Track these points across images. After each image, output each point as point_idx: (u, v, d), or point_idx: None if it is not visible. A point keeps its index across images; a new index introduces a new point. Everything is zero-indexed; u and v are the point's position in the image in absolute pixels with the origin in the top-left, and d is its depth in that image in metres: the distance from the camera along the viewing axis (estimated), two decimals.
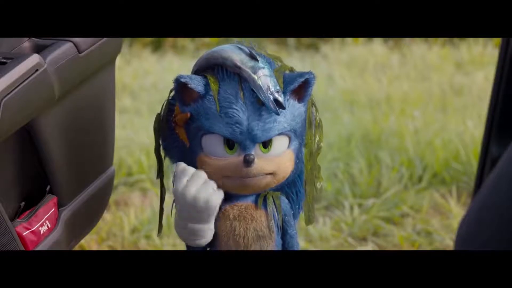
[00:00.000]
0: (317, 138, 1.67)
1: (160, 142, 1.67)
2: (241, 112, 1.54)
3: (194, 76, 1.59)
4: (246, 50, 1.58)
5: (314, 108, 1.65)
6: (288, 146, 1.59)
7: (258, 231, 1.60)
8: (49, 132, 1.69)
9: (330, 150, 3.22)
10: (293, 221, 1.66)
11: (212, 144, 1.57)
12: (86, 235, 1.98)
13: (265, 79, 1.55)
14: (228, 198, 1.61)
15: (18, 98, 1.54)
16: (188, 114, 1.57)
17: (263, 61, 1.57)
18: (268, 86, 1.54)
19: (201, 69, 1.61)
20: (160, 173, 1.71)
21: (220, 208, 1.60)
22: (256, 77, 1.54)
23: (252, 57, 1.56)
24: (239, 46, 1.59)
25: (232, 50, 1.58)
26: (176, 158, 1.66)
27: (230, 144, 1.55)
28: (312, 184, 1.68)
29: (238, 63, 1.56)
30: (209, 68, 1.59)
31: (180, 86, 1.56)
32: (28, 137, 1.67)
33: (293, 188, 1.67)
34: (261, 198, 1.61)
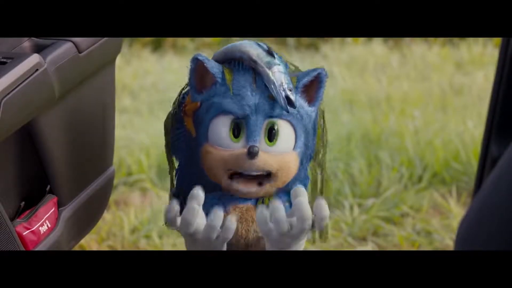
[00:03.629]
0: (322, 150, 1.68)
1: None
2: (251, 97, 1.55)
3: (210, 59, 1.60)
4: (264, 46, 1.60)
5: (323, 120, 1.66)
6: (294, 147, 1.59)
7: (258, 232, 1.61)
8: (49, 132, 1.69)
9: (330, 150, 3.21)
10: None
11: (218, 130, 1.57)
12: (86, 235, 1.98)
13: (279, 75, 1.56)
14: (229, 199, 1.61)
15: (18, 98, 1.54)
16: (199, 104, 1.58)
17: (279, 59, 1.59)
18: (282, 82, 1.55)
19: (217, 62, 1.62)
20: (171, 170, 1.71)
21: (223, 210, 1.61)
22: (270, 72, 1.56)
23: (269, 53, 1.58)
24: (258, 43, 1.61)
25: (250, 45, 1.59)
26: (181, 153, 1.66)
27: (235, 132, 1.56)
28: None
29: (254, 57, 1.57)
30: (226, 61, 1.61)
31: (196, 65, 1.57)
32: (28, 137, 1.67)
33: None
34: (261, 200, 1.61)
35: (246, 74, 1.57)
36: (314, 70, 1.60)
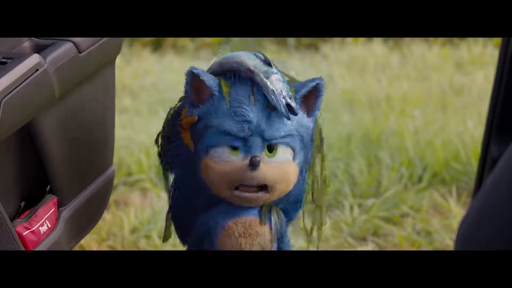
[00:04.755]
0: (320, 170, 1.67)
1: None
2: (251, 112, 1.53)
3: (206, 72, 1.58)
4: (261, 56, 1.58)
5: (320, 133, 1.65)
6: (293, 158, 1.59)
7: (262, 244, 1.60)
8: (49, 132, 1.69)
9: (330, 150, 3.22)
10: (287, 231, 1.66)
11: (218, 145, 1.56)
12: (86, 235, 1.98)
13: (278, 83, 1.54)
14: (230, 212, 1.60)
15: (18, 98, 1.54)
16: (196, 118, 1.56)
17: (276, 68, 1.57)
18: (281, 91, 1.53)
19: (214, 74, 1.60)
20: (166, 180, 1.71)
21: (223, 225, 1.60)
22: (268, 82, 1.54)
23: (266, 62, 1.56)
24: (254, 53, 1.59)
25: (246, 55, 1.57)
26: (178, 167, 1.66)
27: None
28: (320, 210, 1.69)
29: (252, 68, 1.55)
30: (222, 73, 1.59)
31: (192, 79, 1.55)
32: (28, 137, 1.67)
33: (292, 203, 1.66)
34: (265, 213, 1.60)
35: (244, 86, 1.55)
36: (312, 80, 1.58)
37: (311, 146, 1.62)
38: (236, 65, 1.56)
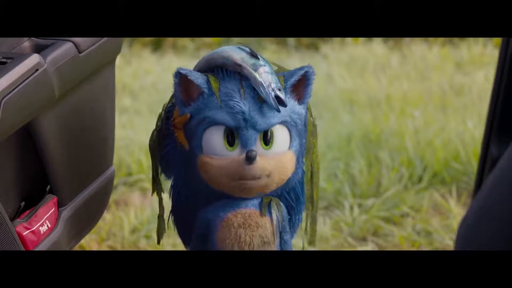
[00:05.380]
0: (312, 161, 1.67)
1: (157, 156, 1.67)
2: (242, 105, 1.54)
3: (194, 71, 1.59)
4: (247, 49, 1.58)
5: (312, 118, 1.65)
6: (290, 147, 1.59)
7: (264, 237, 1.60)
8: (49, 132, 1.69)
9: (330, 150, 3.22)
10: (288, 227, 1.66)
11: (212, 140, 1.56)
12: (86, 235, 1.98)
13: (266, 76, 1.54)
14: (230, 204, 1.60)
15: (18, 98, 1.54)
16: (188, 115, 1.57)
17: (263, 60, 1.57)
18: (270, 83, 1.53)
19: (201, 71, 1.61)
20: (158, 186, 1.70)
21: (223, 217, 1.60)
22: (257, 74, 1.54)
23: (253, 55, 1.56)
24: (239, 46, 1.59)
25: (232, 50, 1.58)
26: (174, 167, 1.65)
27: (230, 140, 1.55)
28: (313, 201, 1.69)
29: (239, 61, 1.56)
30: (209, 70, 1.59)
31: (180, 80, 1.56)
32: (28, 137, 1.67)
33: (292, 194, 1.66)
34: (265, 204, 1.61)
35: (233, 81, 1.56)
36: (300, 69, 1.59)
37: (305, 133, 1.62)
38: (223, 60, 1.57)
